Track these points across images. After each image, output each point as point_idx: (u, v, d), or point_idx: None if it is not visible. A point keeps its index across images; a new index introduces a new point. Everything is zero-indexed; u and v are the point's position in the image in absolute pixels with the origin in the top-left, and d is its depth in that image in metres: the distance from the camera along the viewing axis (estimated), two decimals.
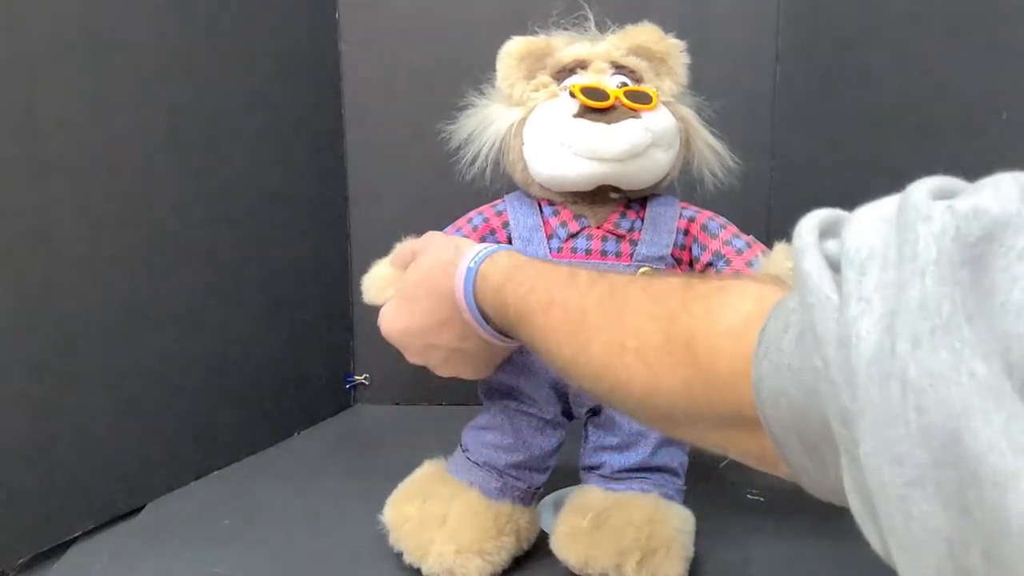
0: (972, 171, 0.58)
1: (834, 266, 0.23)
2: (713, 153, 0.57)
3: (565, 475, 0.57)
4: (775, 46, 0.82)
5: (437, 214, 0.61)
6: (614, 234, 0.53)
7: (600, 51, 0.55)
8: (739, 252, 0.53)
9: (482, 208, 0.57)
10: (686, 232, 0.54)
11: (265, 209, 0.73)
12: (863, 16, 0.66)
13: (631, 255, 0.53)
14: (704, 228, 0.54)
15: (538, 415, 0.55)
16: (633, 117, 0.50)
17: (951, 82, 0.55)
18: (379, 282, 0.55)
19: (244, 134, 0.70)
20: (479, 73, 0.58)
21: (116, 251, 0.59)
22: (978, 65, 0.52)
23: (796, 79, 0.79)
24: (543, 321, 0.38)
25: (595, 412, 0.56)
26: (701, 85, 0.59)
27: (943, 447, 0.18)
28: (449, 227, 0.58)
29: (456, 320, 0.45)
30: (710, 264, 0.54)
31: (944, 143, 0.55)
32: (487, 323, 0.44)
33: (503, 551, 0.51)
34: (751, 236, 0.54)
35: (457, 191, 0.57)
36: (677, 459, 0.55)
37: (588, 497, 0.52)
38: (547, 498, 0.58)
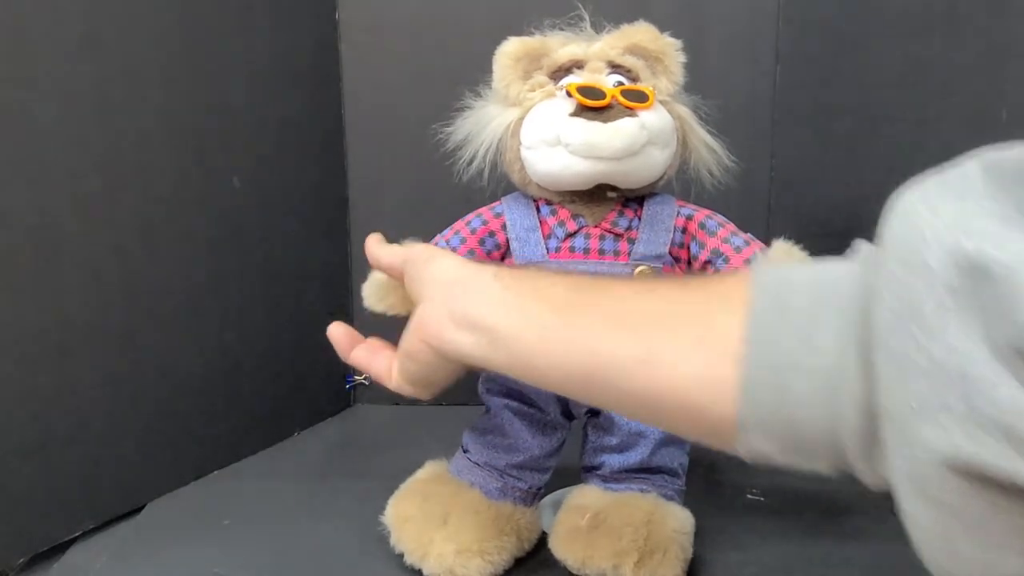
0: None
1: None
2: (710, 152, 0.57)
3: (566, 475, 0.57)
4: (775, 46, 0.82)
5: (437, 214, 0.61)
6: (612, 233, 0.53)
7: (596, 51, 0.55)
8: (737, 250, 0.53)
9: (480, 210, 0.57)
10: (684, 230, 0.54)
11: (265, 209, 0.73)
12: (863, 16, 0.66)
13: (629, 253, 0.53)
14: (702, 226, 0.54)
15: (538, 415, 0.55)
16: (630, 115, 0.50)
17: (951, 82, 0.55)
18: (379, 289, 0.55)
19: (243, 134, 0.70)
20: (478, 74, 0.58)
21: (116, 251, 0.59)
22: (978, 65, 0.52)
23: (796, 79, 0.79)
24: None
25: (595, 413, 0.56)
26: (701, 85, 0.58)
27: None
28: (447, 230, 0.58)
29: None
30: (708, 262, 0.53)
31: (944, 143, 0.55)
32: None
33: (504, 551, 0.51)
34: (749, 234, 0.54)
35: (457, 191, 0.57)
36: (677, 459, 0.55)
37: (587, 497, 0.52)
38: (547, 498, 0.58)
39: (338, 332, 0.49)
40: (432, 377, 0.44)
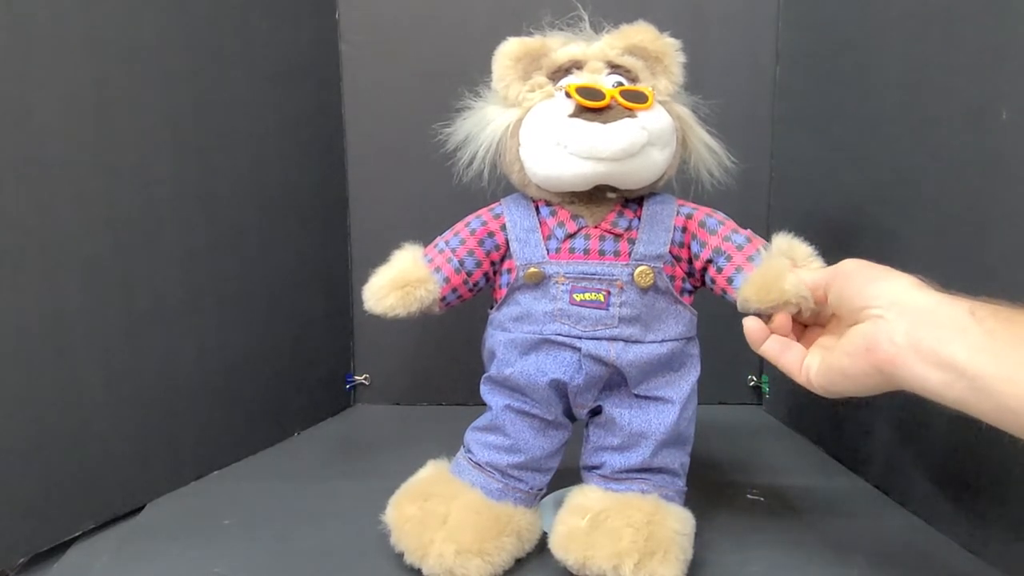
0: (972, 171, 0.58)
1: None
2: (710, 152, 0.56)
3: (566, 475, 0.57)
4: (775, 46, 0.82)
5: (437, 214, 0.61)
6: (612, 233, 0.53)
7: (595, 51, 0.55)
8: (739, 247, 0.53)
9: (480, 212, 0.57)
10: (684, 229, 0.54)
11: (265, 209, 0.73)
12: (863, 16, 0.66)
13: (629, 254, 0.53)
14: (702, 224, 0.54)
15: (539, 416, 0.55)
16: (629, 116, 0.50)
17: (951, 82, 0.55)
18: (379, 291, 0.55)
19: (244, 134, 0.70)
20: (478, 74, 0.58)
21: (116, 251, 0.59)
22: (978, 65, 0.52)
23: (796, 79, 0.79)
24: None
25: (596, 412, 0.56)
26: (701, 85, 0.58)
27: None
28: (447, 232, 0.58)
29: None
30: (710, 261, 0.53)
31: (944, 143, 0.55)
32: None
33: (503, 552, 0.51)
34: (750, 230, 0.54)
35: (457, 192, 0.57)
36: (678, 460, 0.55)
37: (587, 497, 0.52)
38: (548, 498, 0.58)
39: (753, 325, 0.50)
40: (858, 392, 0.43)
